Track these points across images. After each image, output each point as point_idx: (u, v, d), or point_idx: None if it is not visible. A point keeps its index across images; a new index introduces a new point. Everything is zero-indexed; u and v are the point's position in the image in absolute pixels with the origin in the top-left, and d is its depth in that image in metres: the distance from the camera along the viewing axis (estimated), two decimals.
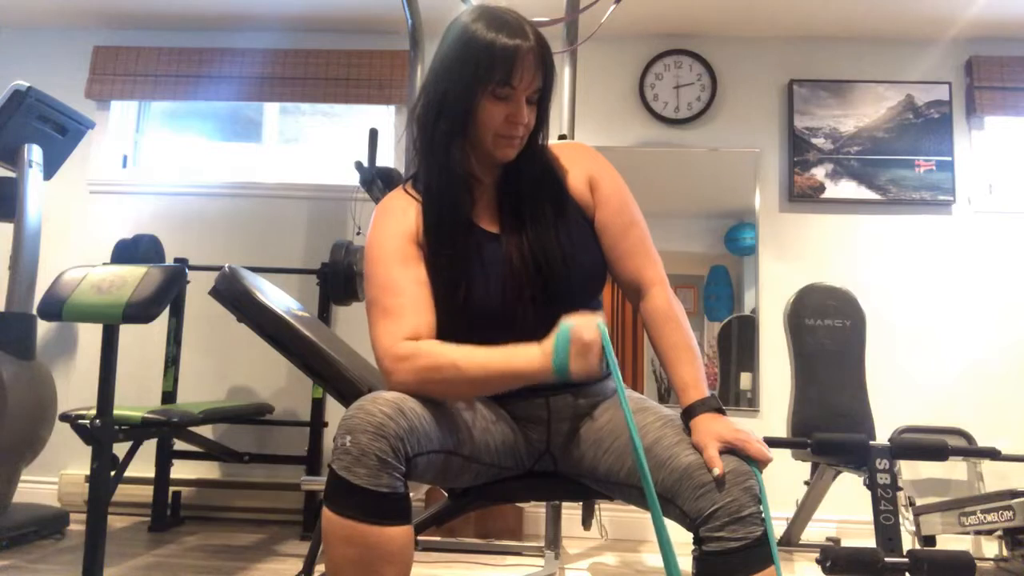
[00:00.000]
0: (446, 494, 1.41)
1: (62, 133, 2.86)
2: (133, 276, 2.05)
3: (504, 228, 1.28)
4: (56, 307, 2.00)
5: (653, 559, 2.84)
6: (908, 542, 2.35)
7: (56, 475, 3.29)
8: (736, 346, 3.32)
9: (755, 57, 3.48)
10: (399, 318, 1.18)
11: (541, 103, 1.26)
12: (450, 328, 1.21)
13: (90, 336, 3.42)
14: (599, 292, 1.35)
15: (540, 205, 1.28)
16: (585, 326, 1.10)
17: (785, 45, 3.48)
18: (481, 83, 1.19)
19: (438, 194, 1.25)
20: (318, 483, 2.62)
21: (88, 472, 2.05)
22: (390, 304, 1.19)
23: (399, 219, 1.27)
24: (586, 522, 2.50)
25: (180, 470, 3.10)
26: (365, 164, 2.81)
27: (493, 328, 1.23)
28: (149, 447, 2.84)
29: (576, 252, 1.27)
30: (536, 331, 1.17)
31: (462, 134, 1.23)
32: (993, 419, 3.17)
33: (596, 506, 2.83)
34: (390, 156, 3.46)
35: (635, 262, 1.30)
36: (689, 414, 1.16)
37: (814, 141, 3.39)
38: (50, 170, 2.88)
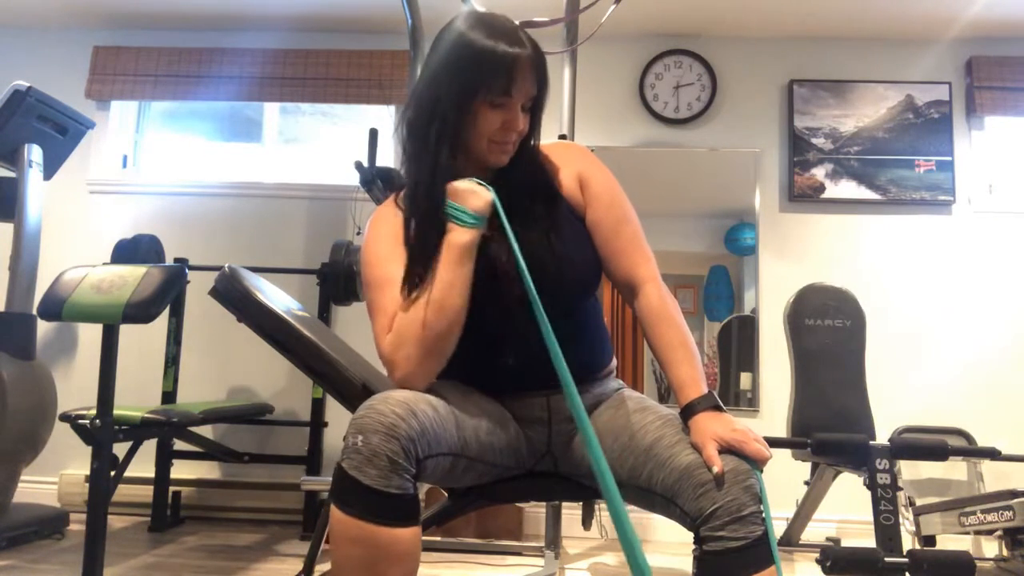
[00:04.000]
0: (446, 494, 1.41)
1: (62, 133, 2.86)
2: (133, 276, 2.05)
3: (494, 228, 1.28)
4: (56, 307, 2.00)
5: (653, 559, 2.84)
6: (908, 542, 2.35)
7: (56, 475, 3.29)
8: (736, 346, 3.32)
9: (755, 57, 3.48)
10: (391, 314, 1.19)
11: (534, 110, 1.27)
12: None
13: (90, 336, 3.42)
14: (593, 291, 1.35)
15: (531, 206, 1.28)
16: (453, 183, 1.22)
17: (785, 45, 3.48)
18: (479, 91, 1.19)
19: (426, 194, 1.25)
20: (318, 483, 2.62)
21: (88, 472, 2.04)
22: (385, 303, 1.21)
23: (391, 223, 1.29)
24: (586, 522, 2.49)
25: (180, 470, 3.10)
26: (365, 164, 2.81)
27: (485, 327, 1.23)
28: (149, 447, 2.83)
29: (568, 251, 1.27)
30: (529, 330, 1.17)
31: (454, 138, 1.23)
32: (993, 419, 3.16)
33: (596, 506, 2.83)
34: (390, 156, 3.45)
35: (628, 259, 1.30)
36: (687, 412, 1.16)
37: (814, 141, 3.39)
38: (50, 170, 2.87)
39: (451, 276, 1.18)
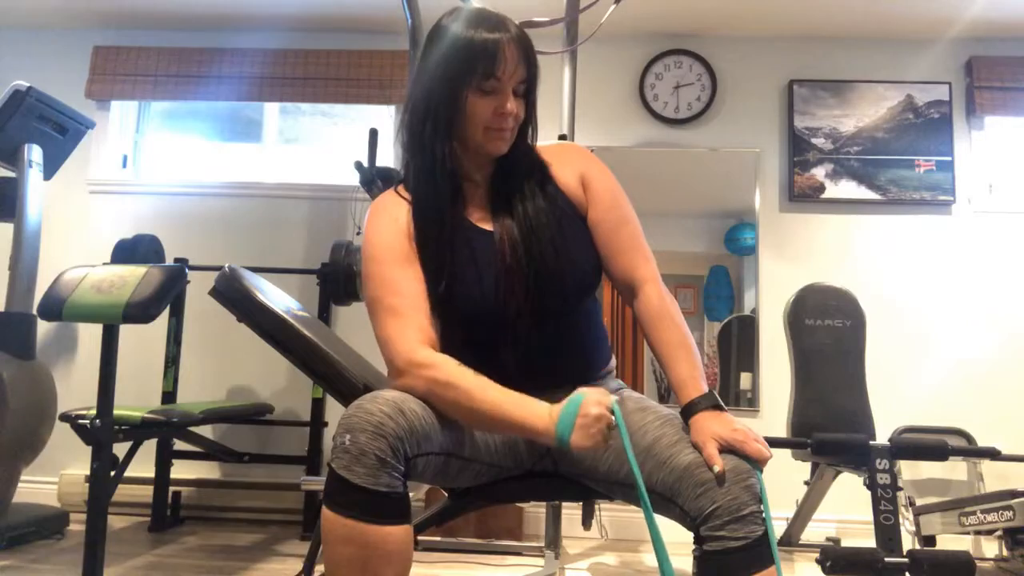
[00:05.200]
0: (446, 494, 1.41)
1: (62, 133, 2.86)
2: (133, 276, 2.05)
3: (496, 224, 1.29)
4: (56, 307, 2.00)
5: (653, 559, 2.84)
6: (908, 542, 2.35)
7: (56, 475, 3.29)
8: (736, 346, 3.32)
9: (755, 57, 3.48)
10: (409, 319, 1.18)
11: (528, 96, 1.26)
12: (443, 324, 1.22)
13: (90, 336, 3.42)
14: (593, 290, 1.35)
15: (532, 201, 1.28)
16: (597, 401, 1.09)
17: (785, 45, 3.48)
18: (465, 78, 1.19)
19: (426, 192, 1.25)
20: (318, 483, 2.62)
21: (88, 472, 2.04)
22: (396, 304, 1.20)
23: (394, 217, 1.28)
24: (586, 522, 2.50)
25: (180, 470, 3.10)
26: (365, 164, 2.81)
27: (485, 324, 1.23)
28: (149, 447, 2.83)
29: (569, 247, 1.27)
30: (529, 328, 1.17)
31: (449, 132, 1.23)
32: (993, 419, 3.16)
33: (596, 506, 2.83)
34: (390, 156, 3.46)
35: (628, 259, 1.30)
36: (688, 411, 1.16)
37: (814, 141, 3.39)
38: (50, 170, 2.87)
39: (501, 426, 1.13)
